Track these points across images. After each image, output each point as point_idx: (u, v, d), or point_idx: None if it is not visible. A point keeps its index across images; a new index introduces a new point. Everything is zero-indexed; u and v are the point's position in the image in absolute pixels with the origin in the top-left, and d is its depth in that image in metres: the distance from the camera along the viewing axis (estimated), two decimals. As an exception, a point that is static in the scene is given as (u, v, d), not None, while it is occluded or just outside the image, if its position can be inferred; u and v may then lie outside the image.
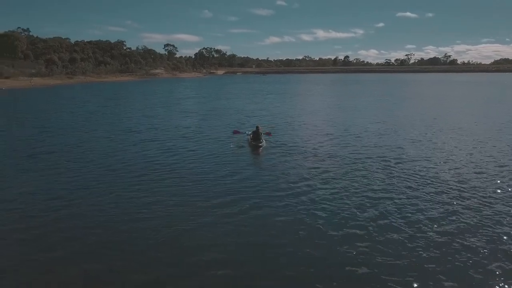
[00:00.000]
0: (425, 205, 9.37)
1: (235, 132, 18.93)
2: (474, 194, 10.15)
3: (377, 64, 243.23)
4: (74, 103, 37.80)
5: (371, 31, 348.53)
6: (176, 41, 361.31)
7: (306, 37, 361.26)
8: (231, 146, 16.57)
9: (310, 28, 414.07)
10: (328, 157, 14.32)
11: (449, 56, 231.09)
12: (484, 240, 7.56)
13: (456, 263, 6.80)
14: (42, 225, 8.39)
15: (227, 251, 7.26)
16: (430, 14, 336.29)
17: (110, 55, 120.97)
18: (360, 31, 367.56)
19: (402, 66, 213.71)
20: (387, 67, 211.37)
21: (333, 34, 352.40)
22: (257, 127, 16.90)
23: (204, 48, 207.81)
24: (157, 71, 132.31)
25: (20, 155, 15.02)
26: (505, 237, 7.69)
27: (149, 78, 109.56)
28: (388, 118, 25.38)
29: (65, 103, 37.36)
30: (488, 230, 8.00)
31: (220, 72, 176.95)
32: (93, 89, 61.19)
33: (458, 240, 7.56)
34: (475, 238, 7.65)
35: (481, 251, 7.18)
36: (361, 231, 8.00)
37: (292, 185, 10.96)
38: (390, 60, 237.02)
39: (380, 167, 12.76)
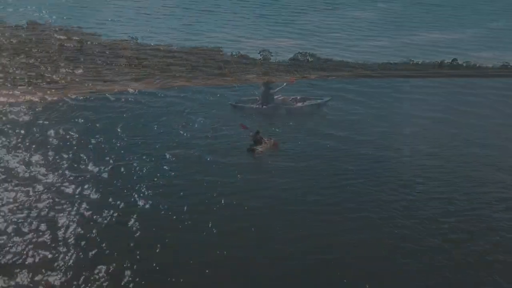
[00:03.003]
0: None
1: (243, 126, 19.14)
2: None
3: (492, 67, 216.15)
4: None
5: (485, 31, 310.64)
6: (274, 46, 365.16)
7: (406, 40, 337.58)
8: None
9: (411, 30, 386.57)
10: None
11: None
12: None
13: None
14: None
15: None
16: None
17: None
18: (470, 31, 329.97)
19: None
20: (504, 71, 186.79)
21: (438, 35, 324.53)
22: (257, 131, 17.14)
23: (299, 53, 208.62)
24: (248, 76, 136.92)
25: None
26: None
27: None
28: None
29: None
30: None
31: (312, 76, 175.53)
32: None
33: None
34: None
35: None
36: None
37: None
38: (508, 63, 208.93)
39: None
